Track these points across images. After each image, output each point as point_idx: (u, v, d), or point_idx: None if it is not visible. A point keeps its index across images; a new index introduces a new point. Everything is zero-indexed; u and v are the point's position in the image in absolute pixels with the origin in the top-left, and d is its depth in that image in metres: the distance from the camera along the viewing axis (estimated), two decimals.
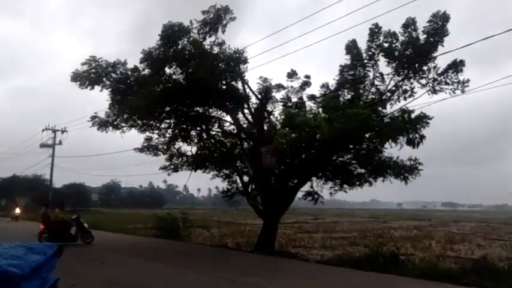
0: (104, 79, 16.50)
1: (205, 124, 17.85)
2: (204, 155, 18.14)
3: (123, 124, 17.89)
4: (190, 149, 18.79)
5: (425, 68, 15.01)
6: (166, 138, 18.63)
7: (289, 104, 17.91)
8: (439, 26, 14.32)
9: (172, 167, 19.12)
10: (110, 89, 16.73)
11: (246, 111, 17.63)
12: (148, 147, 19.34)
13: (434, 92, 15.13)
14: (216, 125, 18.30)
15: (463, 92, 14.66)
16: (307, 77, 18.06)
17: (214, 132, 18.52)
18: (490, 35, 11.50)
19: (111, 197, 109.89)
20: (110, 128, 17.99)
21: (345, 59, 16.31)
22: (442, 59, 14.88)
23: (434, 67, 14.88)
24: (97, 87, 16.74)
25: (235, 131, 17.94)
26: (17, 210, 41.30)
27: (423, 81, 15.19)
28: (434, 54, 14.61)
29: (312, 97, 17.63)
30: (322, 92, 17.14)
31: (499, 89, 14.00)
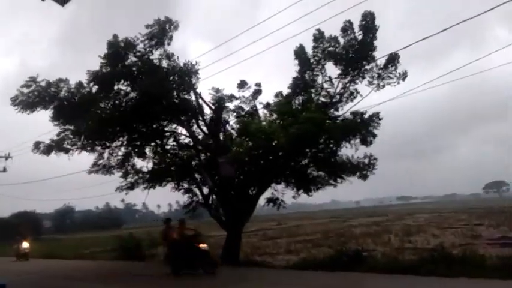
0: (47, 99, 15.55)
1: (160, 139, 17.50)
2: (161, 169, 17.78)
3: (70, 147, 17.16)
4: (146, 165, 18.46)
5: (368, 67, 15.74)
6: (120, 157, 18.19)
7: (243, 113, 18.02)
8: (369, 24, 15.12)
9: (128, 185, 18.59)
10: (53, 111, 15.88)
11: (200, 122, 17.50)
12: (101, 168, 18.63)
13: (379, 87, 15.83)
14: (172, 139, 17.98)
15: (403, 79, 15.48)
16: (258, 85, 18.25)
17: (170, 146, 18.22)
18: (426, 36, 11.80)
19: (65, 222, 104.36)
20: (57, 151, 17.17)
21: (295, 65, 16.78)
22: (382, 59, 15.70)
23: (376, 65, 15.65)
24: (40, 109, 15.84)
25: (192, 143, 17.73)
26: (25, 245, 28.29)
27: (368, 79, 15.91)
28: (376, 55, 15.44)
29: (266, 105, 17.85)
30: (276, 100, 17.40)
31: (440, 86, 14.72)
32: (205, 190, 17.98)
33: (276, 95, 17.45)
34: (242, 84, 17.98)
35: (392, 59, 15.37)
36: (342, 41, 15.72)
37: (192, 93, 16.83)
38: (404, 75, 15.48)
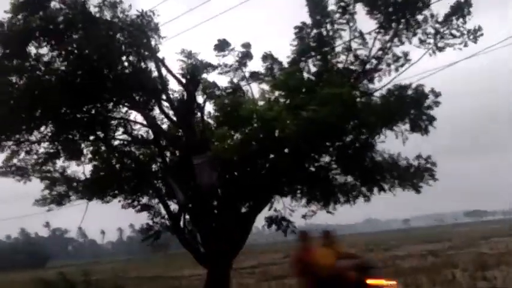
0: None
1: (104, 130, 17.51)
2: (105, 176, 17.87)
3: None
4: (82, 170, 18.51)
5: (420, 17, 15.58)
6: (41, 156, 17.96)
7: (224, 88, 18.31)
8: None
9: (54, 198, 18.63)
10: None
11: (165, 104, 17.64)
12: (11, 170, 18.40)
13: (438, 49, 15.80)
14: (121, 130, 18.17)
15: (475, 41, 15.45)
16: (246, 45, 18.16)
17: (118, 142, 18.38)
18: None
19: None
20: None
21: (305, 13, 16.60)
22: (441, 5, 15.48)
23: (432, 15, 15.49)
24: None
25: (152, 137, 17.92)
26: None
27: (420, 36, 15.81)
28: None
29: (259, 75, 17.88)
30: (275, 69, 17.54)
31: None
32: (174, 207, 18.01)
33: (264, 58, 17.54)
34: (222, 45, 17.95)
35: (459, 8, 15.25)
36: None
37: (151, 60, 16.93)
38: (476, 33, 15.38)
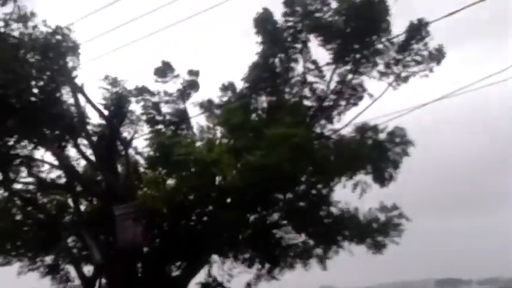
0: None
1: (2, 170, 15.98)
2: (2, 229, 16.44)
3: None
4: None
5: (380, 46, 15.15)
6: None
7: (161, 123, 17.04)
8: None
9: None
10: None
11: (82, 141, 16.29)
12: None
13: (401, 80, 15.38)
14: (25, 171, 16.64)
15: (438, 63, 15.07)
16: (194, 73, 17.18)
17: (20, 186, 16.81)
18: None
19: None
20: None
21: (256, 43, 15.89)
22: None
23: (392, 43, 15.01)
24: None
25: (64, 181, 16.53)
26: None
27: (379, 69, 15.37)
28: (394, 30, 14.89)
29: (205, 107, 16.93)
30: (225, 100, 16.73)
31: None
32: (88, 269, 16.73)
33: (224, 88, 16.54)
34: (164, 69, 16.88)
35: (416, 30, 14.75)
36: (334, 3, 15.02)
37: (67, 87, 15.66)
38: (439, 56, 14.99)
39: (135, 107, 17.21)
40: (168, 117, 17.32)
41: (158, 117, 17.21)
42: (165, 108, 17.36)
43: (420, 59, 15.22)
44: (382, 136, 14.88)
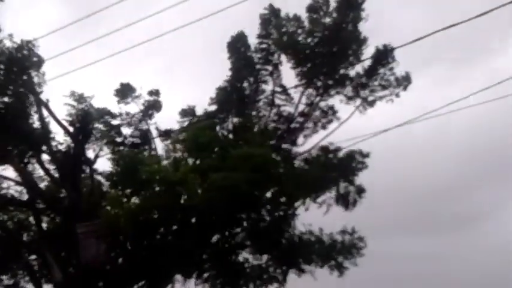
0: None
1: None
2: None
3: None
4: None
5: (349, 70, 15.34)
6: None
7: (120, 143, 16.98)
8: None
9: None
10: None
11: (46, 157, 16.07)
12: None
13: (367, 103, 15.52)
14: None
15: (405, 89, 15.21)
16: (154, 93, 17.07)
17: None
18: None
19: None
20: None
21: (228, 66, 16.09)
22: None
23: (364, 69, 15.24)
24: None
25: (26, 198, 16.27)
26: None
27: (349, 91, 15.51)
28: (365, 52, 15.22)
29: (167, 132, 16.84)
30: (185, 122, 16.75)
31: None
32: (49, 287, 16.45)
33: (184, 113, 16.50)
34: (125, 90, 16.75)
35: (383, 55, 14.96)
36: (307, 25, 15.20)
37: (32, 102, 15.51)
38: (405, 82, 15.21)
39: (100, 126, 16.89)
40: (129, 138, 17.12)
41: (119, 139, 16.99)
42: (126, 130, 17.09)
43: (386, 84, 15.34)
44: (343, 157, 14.91)
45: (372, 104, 15.50)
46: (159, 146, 16.76)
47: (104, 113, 16.82)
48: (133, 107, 17.19)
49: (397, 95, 15.25)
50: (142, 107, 17.20)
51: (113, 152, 16.76)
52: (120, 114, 17.06)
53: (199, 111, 16.90)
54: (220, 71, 16.11)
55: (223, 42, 16.00)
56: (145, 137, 17.01)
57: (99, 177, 16.99)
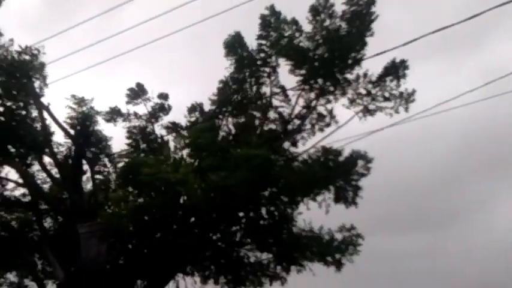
0: None
1: None
2: None
3: None
4: None
5: (350, 75, 15.33)
6: None
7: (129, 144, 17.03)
8: (362, 8, 14.74)
9: None
10: None
11: (48, 159, 16.34)
12: None
13: (368, 112, 15.62)
14: None
15: (406, 109, 15.27)
16: (163, 96, 17.29)
17: None
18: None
19: None
20: None
21: (227, 67, 16.16)
22: (374, 62, 15.17)
23: (365, 74, 15.32)
24: None
25: (29, 199, 16.48)
26: None
27: (350, 96, 15.59)
28: (366, 55, 14.97)
29: (171, 128, 16.97)
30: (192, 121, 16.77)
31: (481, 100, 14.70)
32: (52, 286, 16.61)
33: (192, 110, 16.58)
34: (137, 92, 16.99)
35: (394, 68, 15.08)
36: (307, 28, 15.15)
37: (33, 106, 15.61)
38: (409, 98, 15.29)
39: (105, 127, 17.10)
40: (138, 139, 17.23)
41: (128, 140, 17.05)
42: (134, 130, 17.17)
43: (389, 96, 15.42)
44: (342, 158, 14.97)
45: (372, 113, 15.60)
46: (165, 147, 16.60)
47: (114, 113, 16.99)
48: (142, 108, 17.30)
49: (397, 111, 15.33)
50: (152, 108, 17.30)
51: (119, 152, 16.87)
52: (129, 115, 17.22)
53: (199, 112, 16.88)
54: (220, 70, 16.25)
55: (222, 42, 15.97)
56: (152, 139, 17.10)
57: (105, 177, 17.24)
